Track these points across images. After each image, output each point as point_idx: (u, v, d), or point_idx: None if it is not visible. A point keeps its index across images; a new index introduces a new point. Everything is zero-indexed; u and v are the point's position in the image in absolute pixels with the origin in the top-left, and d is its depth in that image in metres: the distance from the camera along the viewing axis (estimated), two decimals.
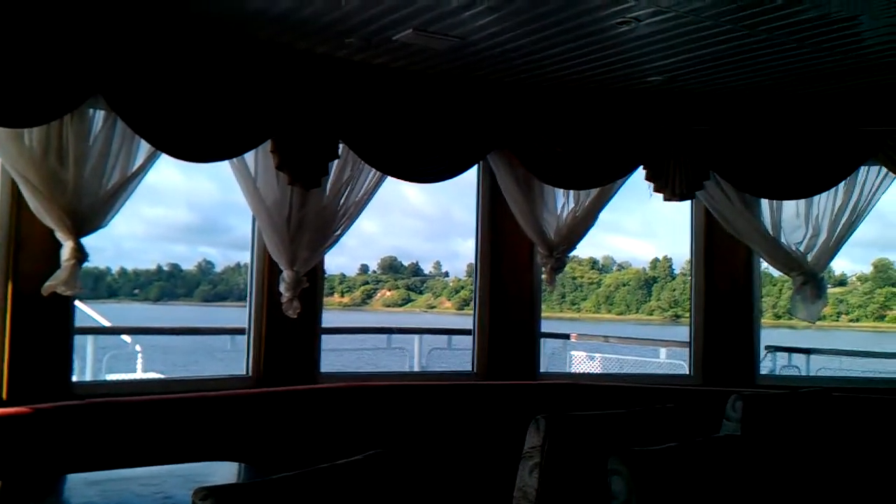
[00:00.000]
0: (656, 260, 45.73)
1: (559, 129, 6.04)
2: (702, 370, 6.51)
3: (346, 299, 47.84)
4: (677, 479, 2.79)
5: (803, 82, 5.68)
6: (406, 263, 48.83)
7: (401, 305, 46.61)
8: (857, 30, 4.57)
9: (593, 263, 46.27)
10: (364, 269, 49.16)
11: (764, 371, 8.28)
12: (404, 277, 48.06)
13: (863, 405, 5.99)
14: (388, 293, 47.66)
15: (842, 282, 41.56)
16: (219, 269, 48.76)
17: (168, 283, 48.12)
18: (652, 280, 45.40)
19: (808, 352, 10.59)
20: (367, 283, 48.23)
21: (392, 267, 49.13)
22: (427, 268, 48.44)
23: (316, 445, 5.22)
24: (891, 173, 6.20)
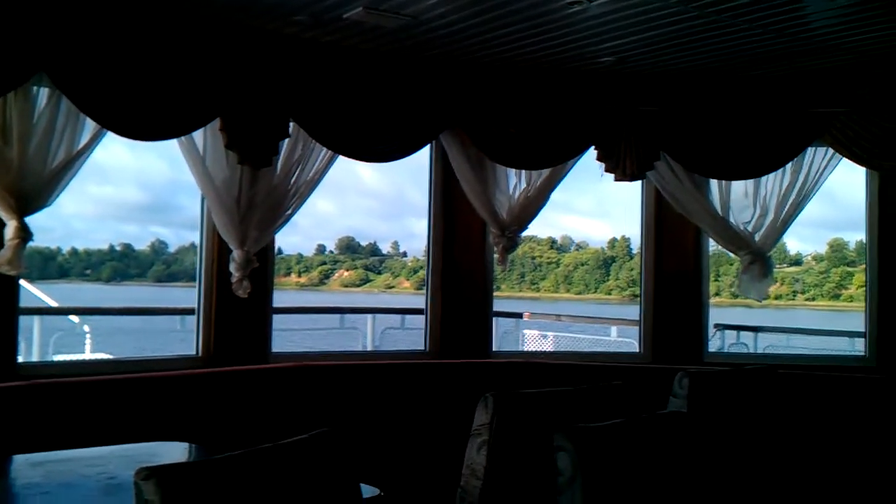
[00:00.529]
0: (614, 240, 45.96)
1: (511, 109, 6.05)
2: (651, 348, 6.59)
3: (303, 279, 47.49)
4: (622, 455, 2.83)
5: (752, 64, 5.75)
6: (364, 244, 48.65)
7: (359, 286, 46.33)
8: (804, 12, 4.63)
9: (552, 243, 46.39)
10: (321, 249, 48.88)
11: (712, 348, 8.43)
12: (362, 257, 47.85)
13: (807, 381, 6.12)
14: (347, 273, 47.37)
15: (797, 261, 42.15)
16: (172, 248, 48.12)
17: (121, 264, 47.41)
18: (610, 260, 45.61)
19: (755, 329, 10.77)
20: (324, 263, 47.93)
21: (350, 247, 48.82)
22: (385, 248, 48.29)
23: (268, 426, 5.20)
24: (837, 154, 6.29)
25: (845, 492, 5.84)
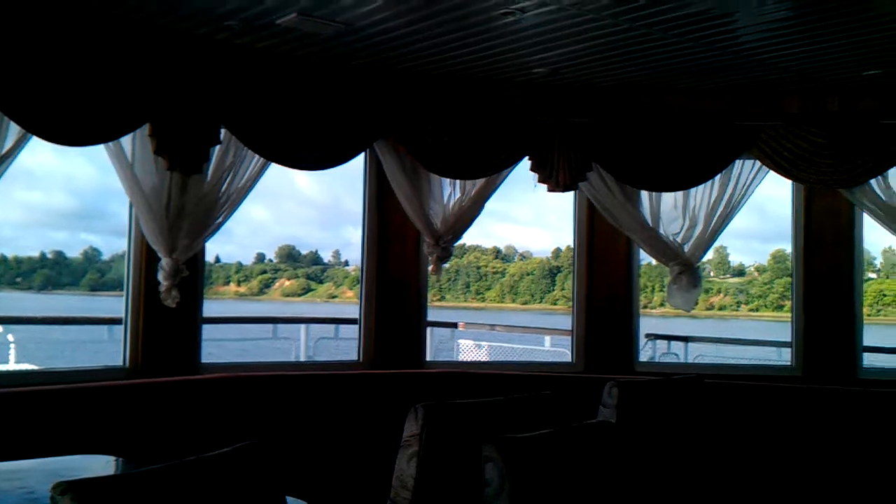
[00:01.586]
0: (559, 250, 46.23)
1: (446, 118, 6.06)
2: (584, 358, 6.64)
3: (242, 288, 46.70)
4: (550, 465, 2.83)
5: (682, 76, 5.85)
6: (304, 252, 47.96)
7: (301, 295, 45.65)
8: (733, 27, 4.73)
9: (497, 253, 46.38)
10: (261, 257, 48.06)
11: (644, 358, 8.53)
12: (303, 266, 47.18)
13: (733, 391, 6.22)
14: (288, 282, 46.67)
15: (741, 272, 42.84)
16: (106, 256, 46.98)
17: (52, 272, 46.18)
18: (556, 269, 45.90)
19: (686, 340, 10.94)
20: (264, 272, 47.14)
21: (290, 256, 48.12)
22: (326, 256, 47.68)
23: (197, 438, 5.10)
24: (764, 167, 6.42)
25: (770, 499, 5.95)
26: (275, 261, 47.76)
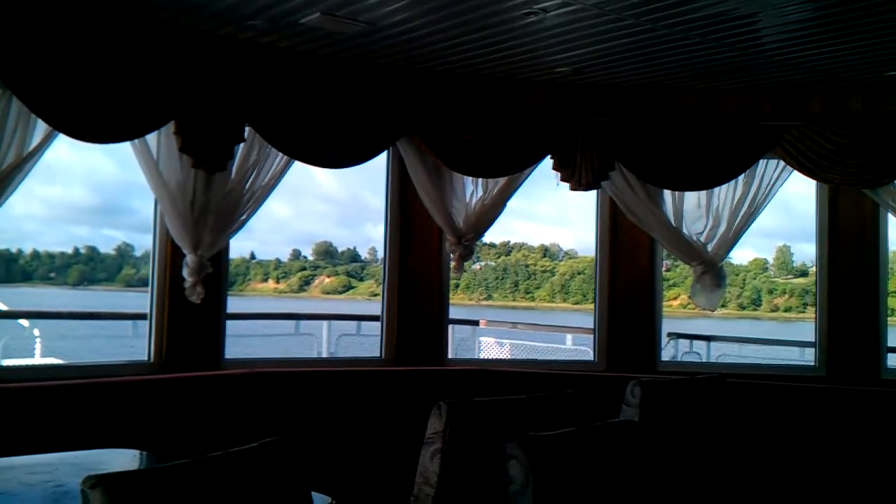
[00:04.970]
0: None
1: (468, 117, 6.06)
2: (606, 356, 6.64)
3: (282, 286, 45.83)
4: (573, 464, 2.84)
5: (704, 76, 5.83)
6: (341, 249, 46.81)
7: (341, 293, 44.65)
8: (756, 27, 4.71)
9: (545, 251, 45.04)
10: (296, 254, 47.04)
11: (666, 357, 8.51)
12: (342, 263, 46.14)
13: (755, 391, 6.20)
14: (328, 280, 45.68)
15: (803, 272, 41.44)
16: (138, 253, 46.59)
17: (87, 267, 45.98)
18: None
19: (708, 339, 10.89)
20: (304, 268, 46.23)
21: (328, 252, 47.13)
22: (363, 253, 46.45)
23: (220, 433, 5.15)
24: (788, 167, 6.40)
25: (792, 500, 5.93)
26: (311, 258, 46.68)
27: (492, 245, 42.40)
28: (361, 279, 44.16)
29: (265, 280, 44.95)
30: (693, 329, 12.85)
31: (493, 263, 42.90)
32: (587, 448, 2.96)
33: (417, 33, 5.00)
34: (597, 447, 3.00)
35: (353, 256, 46.12)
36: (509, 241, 42.71)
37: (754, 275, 40.45)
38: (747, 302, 39.87)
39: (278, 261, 46.19)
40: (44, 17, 4.62)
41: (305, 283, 45.14)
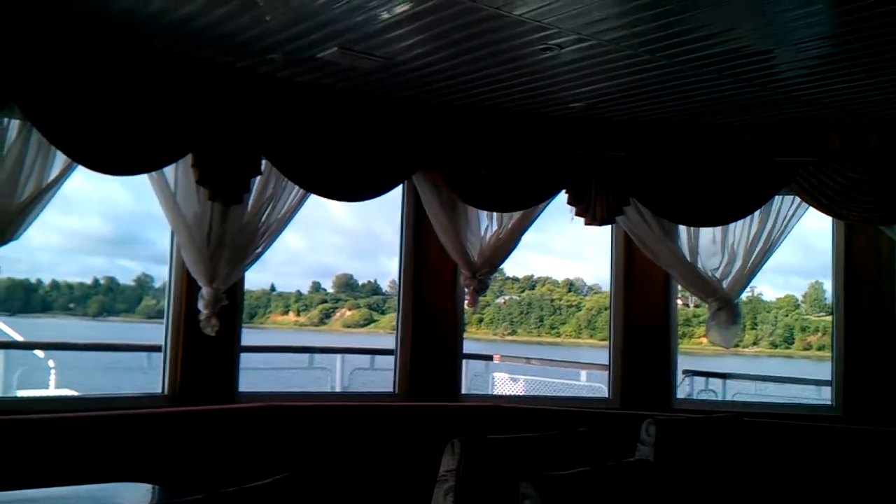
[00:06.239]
0: None
1: (483, 151, 6.08)
2: (620, 393, 6.59)
3: (302, 318, 45.18)
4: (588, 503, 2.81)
5: (720, 112, 5.84)
6: (361, 282, 46.02)
7: (363, 326, 43.41)
8: (771, 62, 4.72)
9: (570, 285, 44.00)
10: (316, 286, 46.43)
11: (681, 395, 8.44)
12: (363, 296, 45.44)
13: (773, 430, 6.13)
14: (349, 313, 44.99)
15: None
16: (157, 284, 46.35)
17: (107, 298, 45.76)
18: None
19: (724, 377, 10.79)
20: (324, 301, 45.56)
21: (349, 285, 46.43)
22: (384, 286, 45.68)
23: (233, 467, 5.12)
24: (804, 203, 6.37)
25: None
26: (331, 290, 45.97)
27: (515, 279, 41.92)
28: (383, 312, 43.38)
29: (286, 312, 44.48)
30: (722, 367, 12.74)
31: (517, 297, 42.28)
32: (601, 488, 2.92)
33: (433, 68, 5.03)
34: (611, 487, 2.96)
35: (374, 289, 45.51)
36: (532, 276, 42.15)
37: (786, 312, 39.77)
38: (780, 340, 39.15)
39: (299, 293, 45.63)
40: (63, 50, 4.67)
41: (326, 316, 44.55)
